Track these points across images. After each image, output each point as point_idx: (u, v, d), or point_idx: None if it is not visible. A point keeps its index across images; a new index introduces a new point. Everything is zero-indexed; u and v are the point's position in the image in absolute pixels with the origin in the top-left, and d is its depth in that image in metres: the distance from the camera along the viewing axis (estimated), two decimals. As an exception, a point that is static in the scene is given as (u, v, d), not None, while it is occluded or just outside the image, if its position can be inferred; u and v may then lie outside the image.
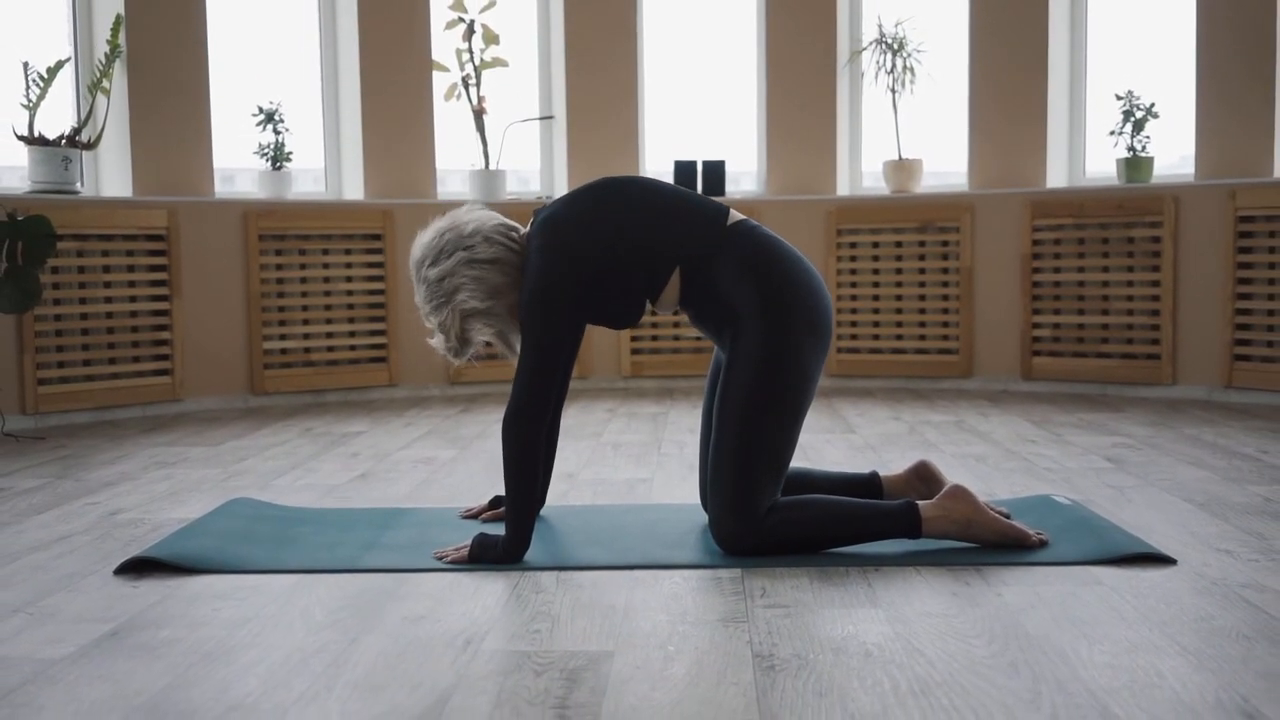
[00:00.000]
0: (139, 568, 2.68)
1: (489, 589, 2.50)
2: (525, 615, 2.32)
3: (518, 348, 2.80)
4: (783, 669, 2.00)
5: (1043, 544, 2.73)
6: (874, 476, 3.04)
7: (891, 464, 3.79)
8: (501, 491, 3.33)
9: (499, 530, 2.84)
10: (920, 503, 2.74)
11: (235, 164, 6.08)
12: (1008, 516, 2.86)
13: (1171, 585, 2.46)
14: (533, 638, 2.18)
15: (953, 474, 3.56)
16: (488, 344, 2.85)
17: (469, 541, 2.72)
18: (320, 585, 2.55)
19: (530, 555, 2.71)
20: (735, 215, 2.81)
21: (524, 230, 2.86)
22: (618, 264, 2.73)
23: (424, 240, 2.82)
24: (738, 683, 1.94)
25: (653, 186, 2.85)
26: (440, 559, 2.70)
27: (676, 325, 6.09)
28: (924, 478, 3.00)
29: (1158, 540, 2.80)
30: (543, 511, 3.15)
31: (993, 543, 2.72)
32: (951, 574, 2.55)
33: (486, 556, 2.66)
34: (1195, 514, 3.11)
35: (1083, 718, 1.78)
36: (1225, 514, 3.10)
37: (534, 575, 2.60)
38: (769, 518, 2.67)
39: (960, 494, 2.74)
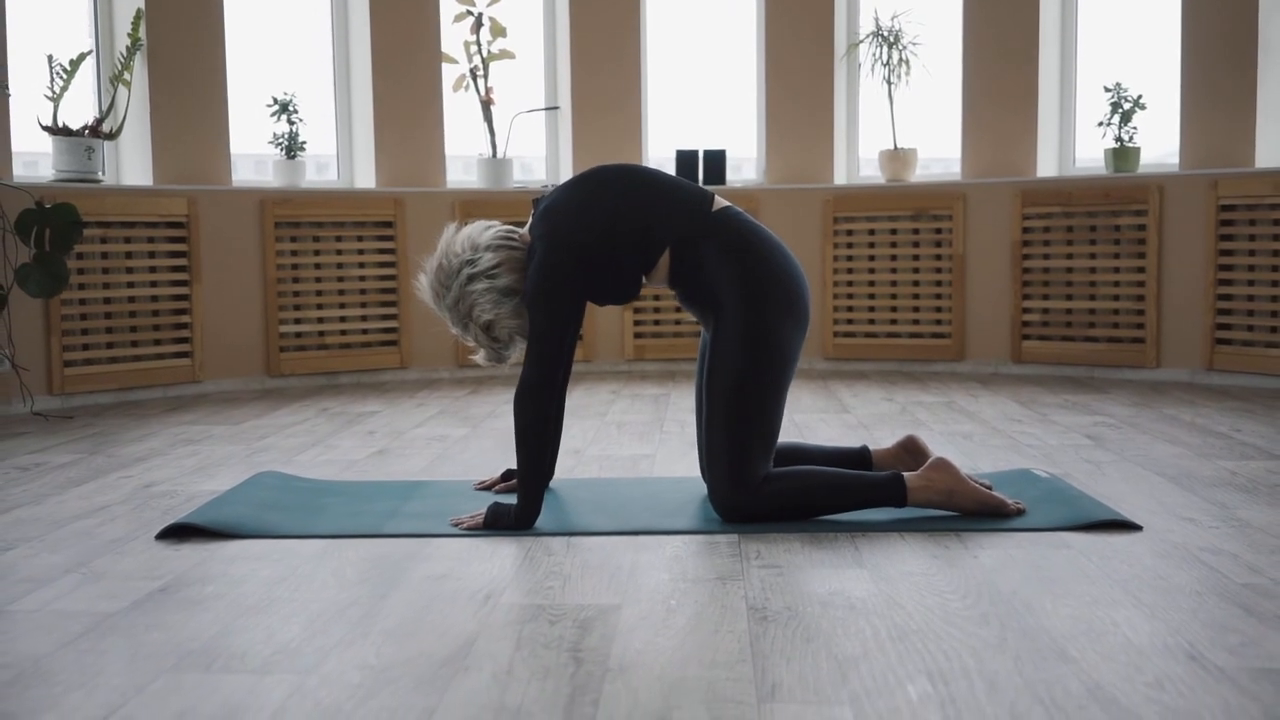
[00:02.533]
0: (179, 533, 2.89)
1: (504, 552, 2.70)
2: (539, 574, 2.53)
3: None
4: (774, 619, 2.21)
5: (1020, 512, 2.93)
6: (864, 450, 3.24)
7: (882, 441, 3.99)
8: (512, 465, 3.55)
9: (511, 500, 3.04)
10: (906, 474, 2.94)
11: (243, 150, 6.25)
12: (989, 488, 3.06)
13: (1135, 549, 2.66)
14: (547, 593, 2.39)
15: (940, 450, 3.77)
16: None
17: (484, 509, 2.93)
18: (348, 549, 2.76)
19: (541, 522, 2.91)
20: (720, 202, 3.01)
21: (520, 232, 3.05)
22: (614, 247, 2.93)
23: (426, 281, 3.02)
24: (733, 631, 2.15)
25: (642, 173, 3.05)
26: (457, 525, 2.90)
27: (678, 310, 6.28)
28: (911, 451, 3.21)
29: (1127, 509, 3.00)
30: (552, 484, 3.35)
31: (973, 511, 2.92)
32: (933, 539, 2.76)
33: (500, 523, 2.86)
34: (1165, 486, 3.31)
35: (1042, 658, 1.98)
36: (1193, 486, 3.30)
37: (545, 540, 2.80)
38: (764, 487, 2.87)
39: (943, 466, 2.94)
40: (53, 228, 4.91)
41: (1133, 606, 2.25)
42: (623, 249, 2.93)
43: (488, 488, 3.34)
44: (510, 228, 3.05)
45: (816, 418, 4.64)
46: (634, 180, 3.01)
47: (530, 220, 3.05)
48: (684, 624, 2.20)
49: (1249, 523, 2.89)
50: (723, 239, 2.93)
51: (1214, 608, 2.25)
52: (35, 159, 5.83)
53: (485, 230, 3.01)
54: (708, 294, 2.94)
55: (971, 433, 4.25)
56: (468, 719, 1.78)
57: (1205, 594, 2.33)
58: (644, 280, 3.01)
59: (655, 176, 3.05)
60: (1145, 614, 2.21)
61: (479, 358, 3.07)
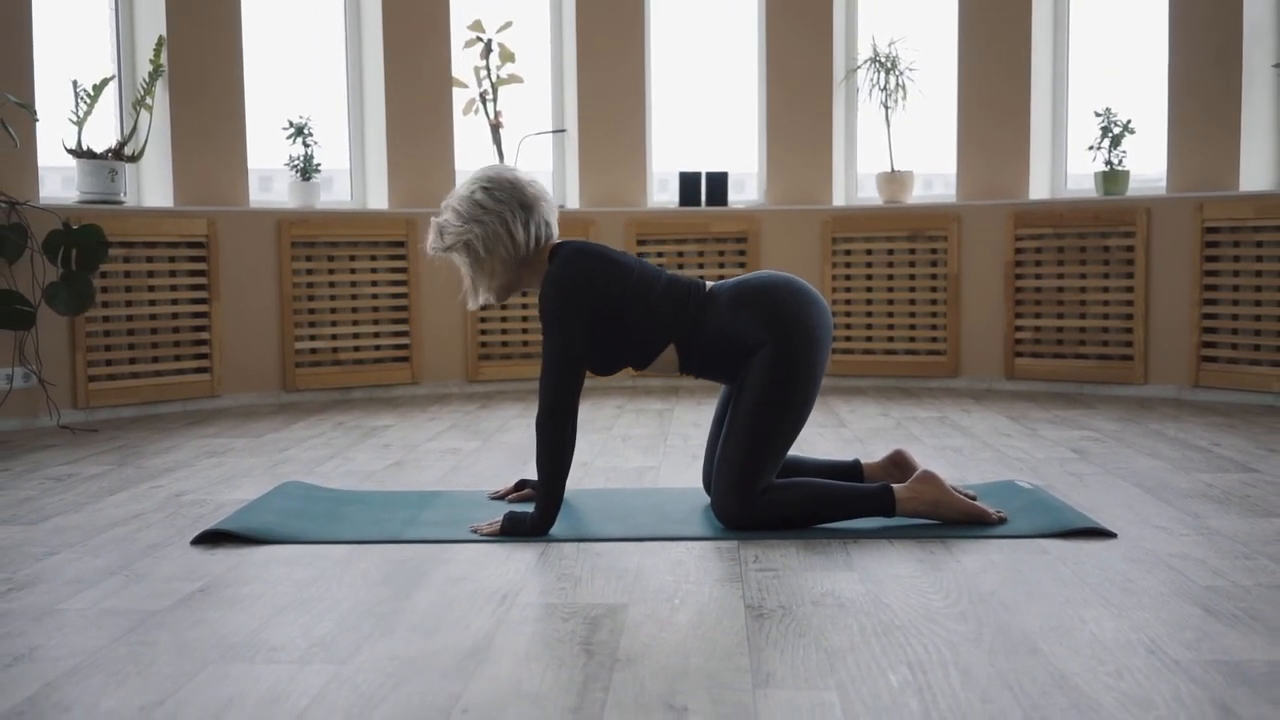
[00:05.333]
0: (212, 539, 3.08)
1: (519, 556, 2.89)
2: (552, 576, 2.72)
3: (477, 297, 3.24)
4: (769, 616, 2.39)
5: (1002, 521, 3.12)
6: (856, 463, 3.44)
7: (875, 455, 4.18)
8: (525, 475, 3.75)
9: (524, 509, 3.22)
10: (895, 485, 3.13)
11: (250, 166, 6.45)
12: (973, 498, 3.25)
13: (1108, 555, 2.85)
14: (559, 593, 2.58)
15: (931, 464, 3.96)
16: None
17: (500, 518, 3.12)
18: (372, 553, 2.94)
19: (553, 529, 3.10)
20: (710, 284, 3.23)
21: (549, 242, 3.23)
22: (628, 310, 3.12)
23: (498, 174, 3.19)
24: (732, 627, 2.34)
25: (652, 267, 3.26)
26: (475, 532, 3.09)
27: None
28: (899, 464, 3.40)
29: (1104, 519, 3.19)
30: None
31: (958, 520, 3.11)
32: (919, 545, 2.95)
33: (517, 530, 3.05)
34: (1142, 497, 3.50)
35: (1013, 651, 2.17)
36: (1169, 498, 3.49)
37: (557, 545, 2.99)
38: (763, 497, 3.06)
39: (929, 478, 3.13)
40: (79, 248, 5.12)
41: (1101, 606, 2.44)
42: (630, 320, 3.12)
43: (501, 497, 3.53)
44: (552, 232, 3.21)
45: (814, 432, 4.82)
46: (649, 267, 3.22)
47: (557, 242, 3.22)
48: (686, 621, 2.38)
49: (1218, 531, 3.08)
50: (725, 299, 3.15)
51: (1176, 608, 2.43)
52: (42, 174, 6.01)
53: (543, 211, 3.18)
54: (730, 350, 3.12)
55: (962, 446, 4.44)
56: (491, 703, 1.97)
57: (1170, 596, 2.51)
58: (627, 365, 3.22)
59: (662, 270, 3.25)
60: (1112, 613, 2.39)
61: (430, 236, 3.26)
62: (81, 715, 1.94)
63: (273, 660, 2.18)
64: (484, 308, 6.30)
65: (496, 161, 2.73)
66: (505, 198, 3.16)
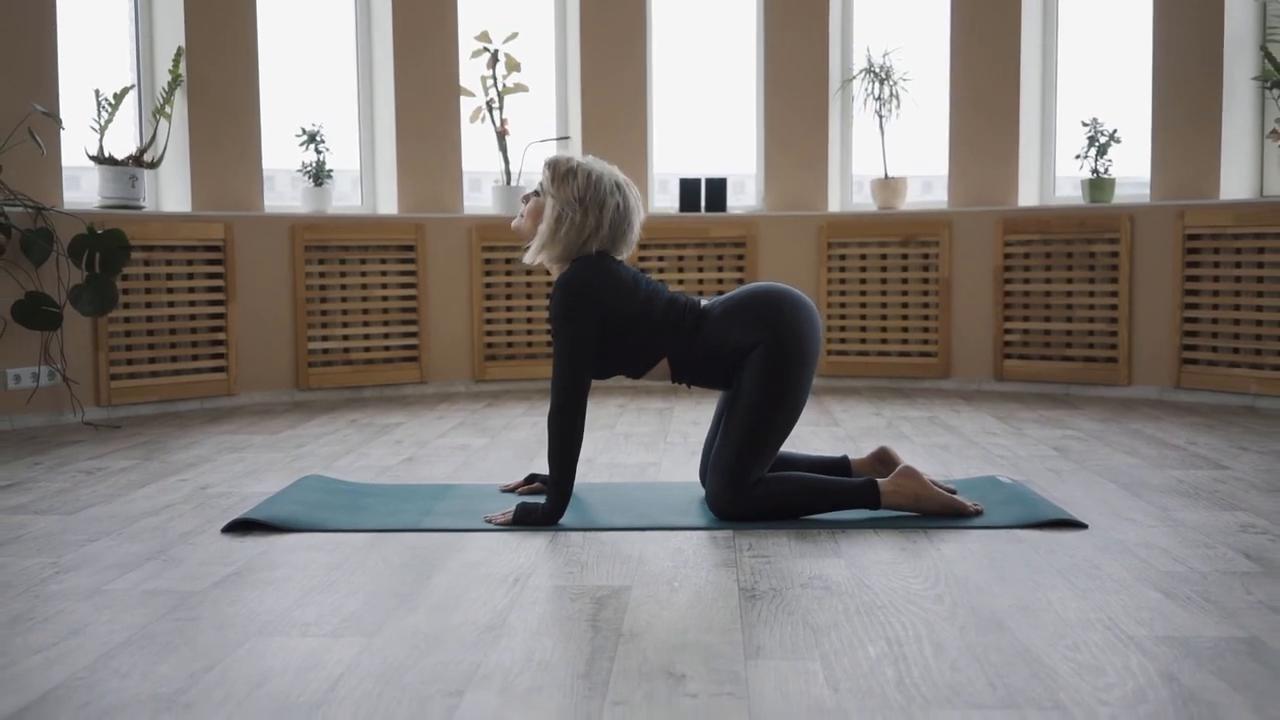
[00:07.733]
0: (241, 527, 3.29)
1: (530, 544, 3.10)
2: (561, 561, 2.93)
3: (535, 255, 3.43)
4: (761, 597, 2.60)
5: (978, 513, 3.33)
6: (844, 459, 3.65)
7: (865, 452, 4.38)
8: (535, 470, 3.96)
9: (535, 500, 3.43)
10: (879, 480, 3.34)
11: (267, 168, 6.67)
12: (953, 492, 3.46)
13: (1078, 544, 3.05)
14: (568, 576, 2.79)
15: (920, 461, 4.17)
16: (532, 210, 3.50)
17: (513, 508, 3.33)
18: (392, 541, 3.15)
19: (561, 520, 3.31)
20: (704, 301, 3.44)
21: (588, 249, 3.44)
22: (628, 326, 3.32)
23: (632, 202, 3.42)
24: (727, 606, 2.55)
25: (656, 286, 3.46)
26: (489, 521, 3.30)
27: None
28: (884, 460, 3.61)
29: (1078, 511, 3.40)
30: (569, 487, 3.75)
31: (938, 512, 3.32)
32: (902, 534, 3.16)
33: (528, 519, 3.26)
34: (1116, 492, 3.70)
35: (983, 627, 2.38)
36: (1141, 492, 3.70)
37: (565, 534, 3.20)
38: (755, 489, 3.27)
39: (910, 473, 3.34)
40: (102, 251, 5.33)
41: (1067, 588, 2.65)
42: (622, 338, 3.33)
43: (512, 490, 3.74)
44: (606, 249, 3.40)
45: (809, 430, 5.03)
46: (653, 289, 3.41)
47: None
48: (684, 601, 2.60)
49: (1183, 523, 3.29)
50: (717, 315, 3.35)
51: (1136, 590, 2.64)
52: (77, 178, 6.22)
53: (621, 245, 3.41)
54: (724, 359, 3.33)
55: (949, 444, 4.65)
56: (508, 670, 2.18)
57: (1131, 580, 2.72)
58: (622, 374, 3.43)
59: (664, 292, 3.44)
60: (1076, 594, 2.60)
61: (559, 161, 3.45)
62: (139, 680, 2.15)
63: (307, 634, 2.39)
64: (489, 309, 6.54)
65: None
66: (616, 220, 3.38)
